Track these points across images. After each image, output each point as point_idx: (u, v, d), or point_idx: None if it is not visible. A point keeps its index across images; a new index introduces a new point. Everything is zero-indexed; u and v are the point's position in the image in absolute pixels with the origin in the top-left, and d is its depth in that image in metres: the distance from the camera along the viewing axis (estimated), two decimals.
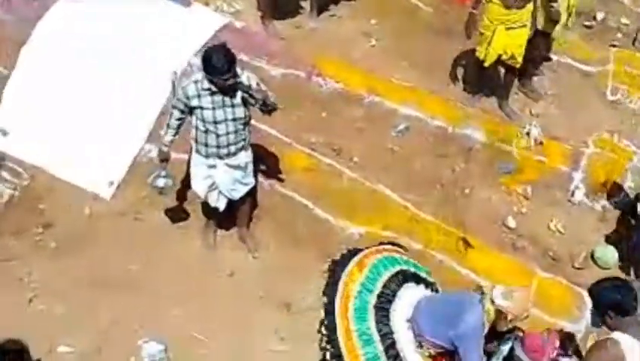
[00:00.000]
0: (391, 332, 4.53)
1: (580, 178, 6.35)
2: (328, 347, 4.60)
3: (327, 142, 6.51)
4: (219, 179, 5.22)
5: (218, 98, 4.89)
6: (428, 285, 4.93)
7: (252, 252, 5.69)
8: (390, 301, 4.62)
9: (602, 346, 3.72)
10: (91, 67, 6.39)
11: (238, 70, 4.88)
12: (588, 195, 6.25)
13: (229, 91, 4.89)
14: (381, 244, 5.28)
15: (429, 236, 5.88)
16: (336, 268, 4.88)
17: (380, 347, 4.50)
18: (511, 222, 6.03)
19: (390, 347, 4.50)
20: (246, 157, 5.26)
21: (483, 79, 6.77)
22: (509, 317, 4.24)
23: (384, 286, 4.66)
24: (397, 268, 4.82)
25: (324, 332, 4.65)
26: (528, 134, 6.51)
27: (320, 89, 6.91)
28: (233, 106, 4.96)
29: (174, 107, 5.04)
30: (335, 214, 6.02)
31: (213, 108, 4.92)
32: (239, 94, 4.93)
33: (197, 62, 5.36)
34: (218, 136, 5.01)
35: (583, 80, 7.14)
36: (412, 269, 4.91)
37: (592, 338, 5.27)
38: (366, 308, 4.59)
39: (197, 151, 5.17)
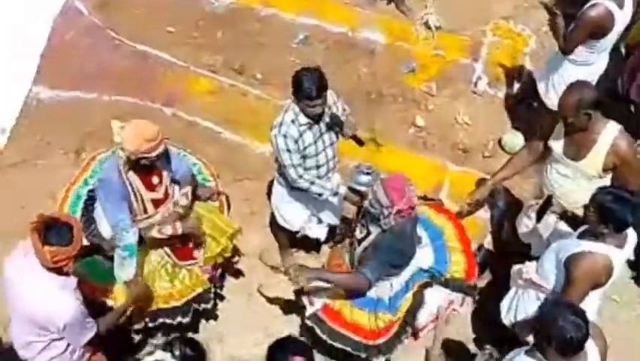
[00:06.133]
0: None
1: (481, 68, 6.41)
2: None
3: (227, 62, 6.34)
4: (321, 208, 4.77)
5: (316, 128, 4.37)
6: None
7: None
8: None
9: (593, 257, 3.77)
10: None
11: (331, 99, 4.42)
12: (491, 84, 6.33)
13: (320, 118, 4.36)
14: None
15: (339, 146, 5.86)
16: None
17: None
18: (420, 121, 6.08)
19: None
20: (338, 177, 4.75)
21: None
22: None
23: None
24: None
25: None
26: (426, 24, 6.46)
27: (212, 7, 6.67)
28: (329, 130, 4.46)
29: (295, 165, 4.36)
30: (244, 135, 5.92)
31: (315, 142, 4.40)
32: (328, 118, 4.41)
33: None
34: (318, 167, 4.51)
35: None
36: None
37: None
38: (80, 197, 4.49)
39: (293, 188, 4.57)
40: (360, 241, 4.21)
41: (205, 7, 6.66)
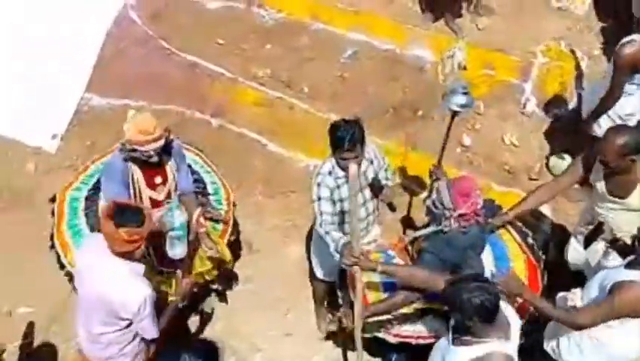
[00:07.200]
0: None
1: (530, 89, 6.32)
2: None
3: (275, 74, 6.39)
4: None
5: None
6: None
7: None
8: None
9: (633, 285, 3.65)
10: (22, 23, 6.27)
11: (372, 154, 4.27)
12: (540, 106, 6.23)
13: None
14: None
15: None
16: None
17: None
18: (466, 140, 6.01)
19: None
20: (376, 230, 4.58)
21: None
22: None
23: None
24: None
25: None
26: (452, 57, 6.39)
27: (262, 20, 6.73)
28: (368, 184, 4.30)
29: (322, 212, 4.14)
30: (289, 148, 5.94)
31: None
32: (369, 173, 4.27)
33: None
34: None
35: None
36: None
37: None
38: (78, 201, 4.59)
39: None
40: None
41: (255, 20, 6.73)
